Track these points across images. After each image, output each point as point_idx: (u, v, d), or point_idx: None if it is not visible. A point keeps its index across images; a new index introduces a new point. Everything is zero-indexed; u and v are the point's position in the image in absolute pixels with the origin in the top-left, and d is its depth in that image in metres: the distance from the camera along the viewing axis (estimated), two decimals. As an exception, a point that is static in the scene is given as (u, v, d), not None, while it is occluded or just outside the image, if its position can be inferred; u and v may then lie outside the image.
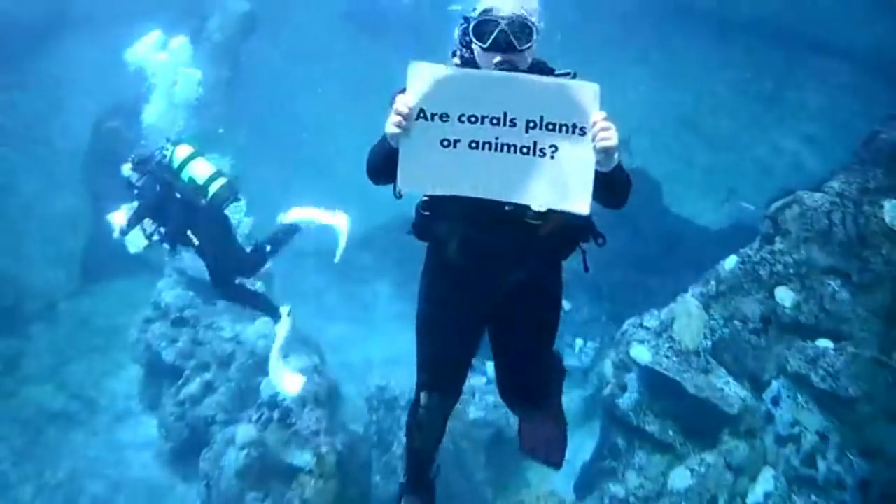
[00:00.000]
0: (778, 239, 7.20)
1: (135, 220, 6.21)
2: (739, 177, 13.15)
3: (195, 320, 9.87)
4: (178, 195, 6.09)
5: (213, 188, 6.16)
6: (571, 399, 10.48)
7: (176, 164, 6.16)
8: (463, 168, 2.53)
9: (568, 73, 2.73)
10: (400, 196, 2.71)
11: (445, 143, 2.53)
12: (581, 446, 9.03)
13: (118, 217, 6.32)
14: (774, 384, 6.95)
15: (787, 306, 6.97)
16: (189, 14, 12.61)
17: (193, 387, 9.26)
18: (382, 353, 10.80)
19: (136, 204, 6.22)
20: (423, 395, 3.14)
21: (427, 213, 2.80)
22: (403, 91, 2.59)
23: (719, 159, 14.15)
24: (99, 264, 12.21)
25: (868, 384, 6.46)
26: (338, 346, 11.18)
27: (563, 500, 8.00)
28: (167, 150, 6.22)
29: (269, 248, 6.96)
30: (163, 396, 9.44)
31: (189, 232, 6.24)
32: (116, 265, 12.00)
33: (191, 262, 10.36)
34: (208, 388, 9.28)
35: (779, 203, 7.31)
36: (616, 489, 7.39)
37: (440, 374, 3.12)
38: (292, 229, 7.12)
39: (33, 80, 13.08)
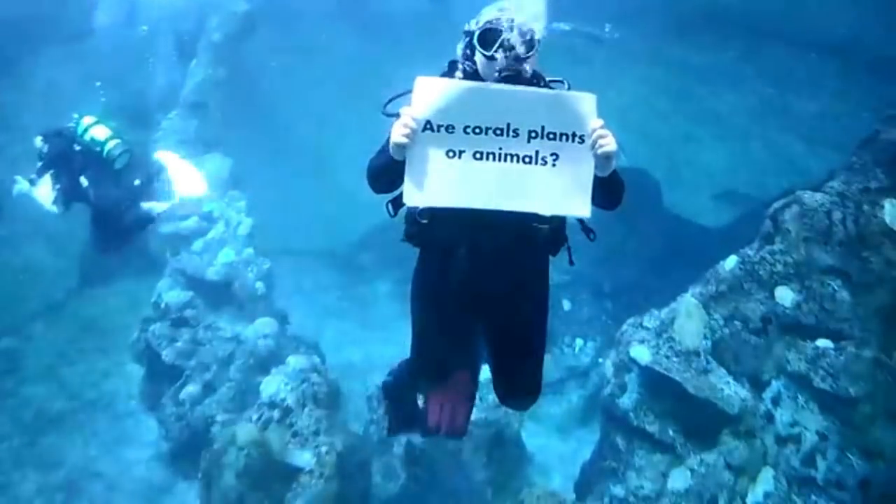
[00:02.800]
0: (778, 239, 7.20)
1: (42, 171, 7.06)
2: (740, 176, 13.16)
3: (195, 320, 9.87)
4: (78, 147, 7.09)
5: (110, 145, 7.12)
6: (571, 399, 10.50)
7: (80, 130, 7.13)
8: (468, 179, 2.61)
9: (560, 81, 2.86)
10: (395, 214, 2.82)
11: (451, 153, 2.61)
12: (581, 446, 9.04)
13: (26, 183, 7.16)
14: (774, 384, 6.95)
15: (787, 306, 6.97)
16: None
17: (193, 387, 9.27)
18: (382, 352, 10.79)
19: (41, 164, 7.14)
20: (414, 386, 3.48)
21: (425, 220, 2.82)
22: (395, 99, 2.70)
23: (720, 159, 14.16)
24: (99, 264, 12.21)
25: (868, 384, 6.45)
26: (338, 345, 11.19)
27: (563, 500, 7.99)
28: (74, 119, 7.19)
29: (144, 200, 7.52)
30: (163, 396, 9.44)
31: (82, 178, 7.06)
32: (117, 265, 12.04)
33: (190, 262, 10.44)
34: (208, 388, 9.28)
35: (779, 203, 7.31)
36: (616, 489, 7.38)
37: (431, 374, 3.32)
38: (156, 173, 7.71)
39: (34, 80, 13.09)
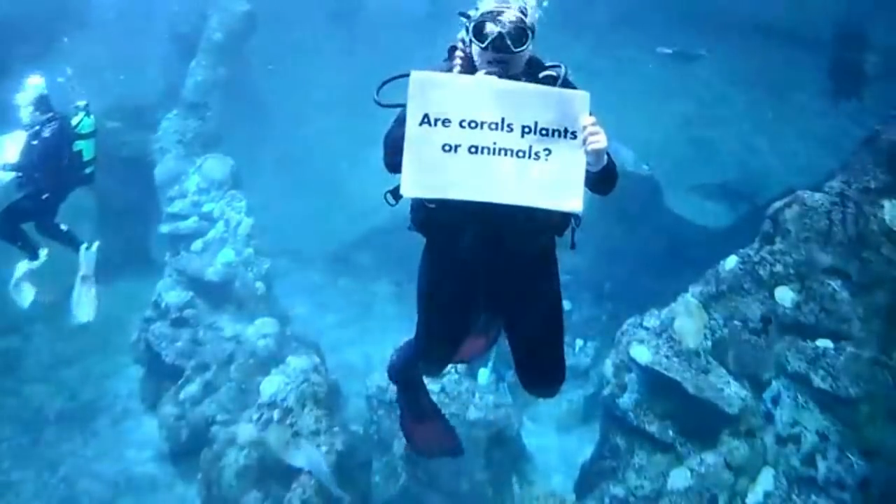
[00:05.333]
0: (778, 239, 7.19)
1: (21, 157, 6.79)
2: (740, 176, 13.16)
3: (195, 320, 9.88)
4: (67, 160, 6.95)
5: (88, 170, 7.24)
6: (571, 399, 10.50)
7: (82, 131, 6.97)
8: (463, 172, 2.66)
9: (559, 66, 2.90)
10: (395, 203, 2.86)
11: (447, 147, 2.66)
12: (581, 446, 9.03)
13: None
14: (774, 384, 6.95)
15: (787, 306, 6.97)
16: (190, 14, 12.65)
17: (193, 387, 9.28)
18: (382, 353, 10.76)
19: (18, 134, 6.88)
20: (420, 363, 3.48)
21: (433, 206, 2.87)
22: (387, 83, 2.82)
23: (720, 158, 14.16)
24: (99, 264, 12.19)
25: (868, 384, 6.45)
26: (338, 345, 11.19)
27: (563, 500, 8.00)
28: (81, 113, 6.98)
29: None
30: (163, 396, 9.44)
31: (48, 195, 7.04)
32: (117, 265, 12.03)
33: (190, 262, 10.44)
34: (208, 388, 9.29)
35: (779, 203, 7.31)
36: (616, 489, 7.37)
37: (437, 353, 3.39)
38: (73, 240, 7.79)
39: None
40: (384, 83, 2.85)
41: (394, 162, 2.81)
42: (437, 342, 3.33)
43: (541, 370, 3.29)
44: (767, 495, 6.67)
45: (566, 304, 11.33)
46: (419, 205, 2.93)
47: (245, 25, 12.59)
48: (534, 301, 3.17)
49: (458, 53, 2.91)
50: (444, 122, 2.65)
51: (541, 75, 2.83)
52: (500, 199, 2.67)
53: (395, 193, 2.86)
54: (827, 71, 13.58)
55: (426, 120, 2.64)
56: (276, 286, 10.68)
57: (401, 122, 2.74)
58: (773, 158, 14.19)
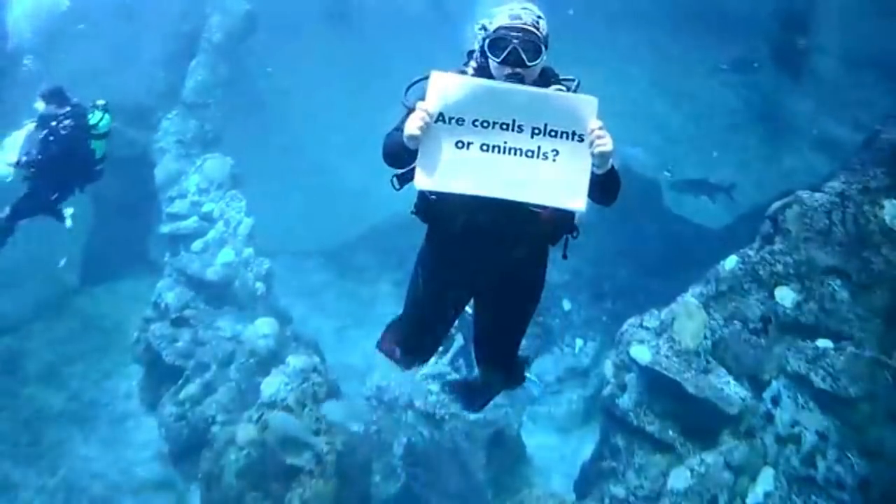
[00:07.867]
0: (778, 239, 7.19)
1: (31, 155, 6.69)
2: (740, 175, 13.15)
3: (195, 320, 9.89)
4: (79, 155, 6.87)
5: (98, 168, 7.12)
6: (571, 399, 10.51)
7: (100, 130, 6.89)
8: (474, 168, 2.81)
9: (572, 80, 3.04)
10: (399, 188, 2.99)
11: (460, 144, 2.82)
12: (581, 446, 9.04)
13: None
14: (774, 384, 6.95)
15: (787, 306, 6.97)
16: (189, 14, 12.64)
17: (193, 387, 9.28)
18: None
19: (29, 127, 6.79)
20: (397, 351, 3.56)
21: (433, 197, 2.97)
22: (415, 84, 2.90)
23: (720, 158, 14.16)
24: (99, 264, 12.21)
25: (868, 384, 6.45)
26: (338, 345, 11.19)
27: (563, 500, 8.00)
28: (98, 112, 6.88)
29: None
30: (163, 396, 9.45)
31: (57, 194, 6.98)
32: (117, 265, 12.04)
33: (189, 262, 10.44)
34: (208, 388, 9.29)
35: (779, 203, 7.31)
36: (616, 489, 7.38)
37: (415, 342, 3.51)
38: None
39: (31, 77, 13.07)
40: (410, 86, 2.94)
41: (388, 164, 2.99)
42: (419, 330, 3.45)
43: (499, 354, 3.48)
44: (767, 495, 6.68)
45: (566, 304, 11.37)
46: (422, 194, 3.04)
47: (245, 25, 12.59)
48: (517, 291, 3.28)
49: (472, 64, 3.02)
50: (458, 121, 2.79)
51: (551, 88, 2.91)
52: (507, 196, 2.79)
53: (401, 179, 3.01)
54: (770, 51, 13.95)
55: (441, 118, 2.79)
56: (276, 286, 10.68)
57: (400, 127, 2.86)
58: (775, 157, 14.19)
